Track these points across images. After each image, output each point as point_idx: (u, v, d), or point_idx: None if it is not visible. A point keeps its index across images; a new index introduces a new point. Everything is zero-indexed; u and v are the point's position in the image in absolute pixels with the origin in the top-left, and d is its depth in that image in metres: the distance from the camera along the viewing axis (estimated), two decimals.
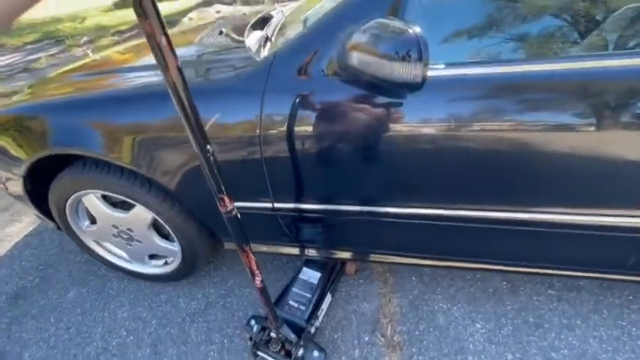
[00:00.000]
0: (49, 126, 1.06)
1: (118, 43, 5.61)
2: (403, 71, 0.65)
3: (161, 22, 0.41)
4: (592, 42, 0.86)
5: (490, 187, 0.88)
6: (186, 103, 0.49)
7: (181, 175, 1.00)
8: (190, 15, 7.20)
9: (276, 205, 1.02)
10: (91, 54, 1.65)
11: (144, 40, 1.57)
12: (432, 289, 1.32)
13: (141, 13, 0.39)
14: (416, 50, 0.64)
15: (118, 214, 1.21)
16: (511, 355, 1.09)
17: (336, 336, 1.20)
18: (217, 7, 8.00)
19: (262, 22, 1.36)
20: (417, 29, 0.65)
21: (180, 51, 1.33)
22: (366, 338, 1.19)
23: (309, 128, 0.87)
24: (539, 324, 1.17)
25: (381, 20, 0.71)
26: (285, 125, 0.87)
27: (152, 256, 1.39)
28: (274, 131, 0.87)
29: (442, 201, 0.93)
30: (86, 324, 1.34)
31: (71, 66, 1.53)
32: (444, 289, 1.32)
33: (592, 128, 0.75)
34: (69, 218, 1.28)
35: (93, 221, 1.32)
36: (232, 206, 0.65)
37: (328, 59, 0.82)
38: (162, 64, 0.45)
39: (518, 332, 1.15)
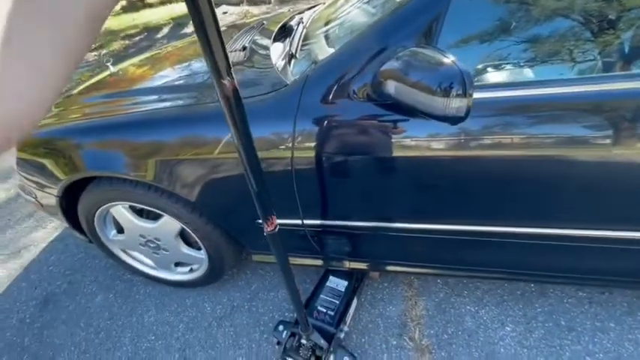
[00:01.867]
0: (82, 150, 1.08)
1: (128, 47, 5.67)
2: (446, 105, 0.63)
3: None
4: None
5: (508, 205, 0.89)
6: (246, 143, 0.53)
7: (213, 194, 1.02)
8: None
9: (306, 221, 1.02)
10: (111, 67, 1.68)
11: (157, 51, 1.59)
12: (459, 291, 1.31)
13: (220, 76, 0.42)
14: (459, 84, 0.61)
15: (146, 225, 1.23)
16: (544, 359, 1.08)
17: (363, 340, 1.20)
18: (224, 7, 8.01)
19: (282, 31, 1.36)
20: (456, 60, 0.63)
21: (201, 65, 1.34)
22: (394, 342, 1.18)
23: (339, 149, 0.88)
24: (572, 327, 1.15)
25: (415, 49, 0.69)
26: (316, 147, 0.87)
27: (177, 264, 1.40)
28: (306, 153, 0.88)
29: (464, 217, 0.95)
30: (115, 329, 1.36)
31: (91, 81, 1.56)
32: (470, 292, 1.30)
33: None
34: (97, 228, 1.30)
35: (120, 230, 1.34)
36: (276, 224, 0.66)
37: (360, 83, 0.81)
38: (233, 118, 0.49)
39: (550, 335, 1.14)
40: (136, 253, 1.42)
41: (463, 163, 0.83)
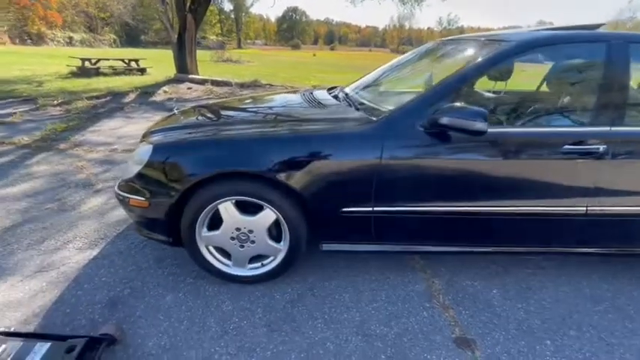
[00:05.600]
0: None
1: (96, 106, 5.76)
2: (477, 126, 1.33)
3: None
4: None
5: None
6: None
7: (315, 188, 1.51)
8: (165, 88, 7.77)
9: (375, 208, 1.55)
10: (176, 111, 2.15)
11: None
12: (459, 270, 1.89)
13: None
14: (484, 118, 1.33)
15: (247, 217, 1.58)
16: None
17: (405, 306, 1.65)
18: (188, 84, 8.77)
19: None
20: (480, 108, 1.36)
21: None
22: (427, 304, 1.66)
23: (411, 162, 1.51)
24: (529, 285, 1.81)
25: (453, 104, 1.42)
26: (396, 159, 1.49)
27: (252, 259, 1.71)
28: (389, 163, 1.48)
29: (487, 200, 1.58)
30: (197, 317, 1.54)
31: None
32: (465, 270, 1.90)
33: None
34: (197, 225, 1.58)
35: (210, 229, 1.63)
36: None
37: (424, 120, 1.47)
38: None
39: (522, 292, 1.77)
40: (215, 252, 1.69)
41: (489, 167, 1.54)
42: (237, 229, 1.61)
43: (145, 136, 1.83)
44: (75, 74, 9.87)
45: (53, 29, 31.50)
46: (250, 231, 1.61)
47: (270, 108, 2.11)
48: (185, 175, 1.50)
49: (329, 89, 2.46)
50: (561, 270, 1.97)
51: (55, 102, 5.68)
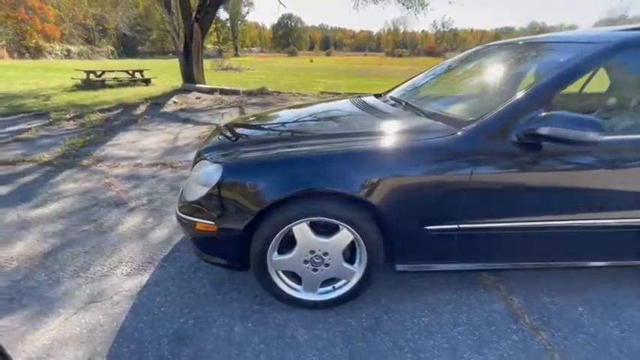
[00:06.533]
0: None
1: (109, 119, 5.65)
2: (589, 137, 1.22)
3: None
4: None
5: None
6: None
7: (398, 206, 1.40)
8: (174, 99, 7.67)
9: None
10: (221, 124, 2.03)
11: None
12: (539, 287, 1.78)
13: None
14: (596, 127, 1.22)
15: (322, 239, 1.47)
16: None
17: (491, 329, 1.53)
18: (196, 94, 8.68)
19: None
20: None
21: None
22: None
23: (505, 175, 1.40)
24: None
25: (555, 112, 1.29)
26: (488, 173, 1.38)
27: (323, 283, 1.59)
28: (480, 175, 1.37)
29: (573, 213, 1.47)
30: (274, 350, 1.42)
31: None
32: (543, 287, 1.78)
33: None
34: (270, 249, 1.46)
35: (279, 252, 1.52)
36: None
37: (519, 129, 1.35)
38: None
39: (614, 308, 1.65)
40: (284, 277, 1.57)
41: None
42: (312, 252, 1.49)
43: (200, 154, 1.72)
44: (80, 87, 9.76)
45: (51, 42, 31.44)
46: (325, 253, 1.49)
47: (332, 119, 2.00)
48: (262, 196, 1.38)
49: (375, 95, 2.36)
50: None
51: (68, 116, 5.56)
